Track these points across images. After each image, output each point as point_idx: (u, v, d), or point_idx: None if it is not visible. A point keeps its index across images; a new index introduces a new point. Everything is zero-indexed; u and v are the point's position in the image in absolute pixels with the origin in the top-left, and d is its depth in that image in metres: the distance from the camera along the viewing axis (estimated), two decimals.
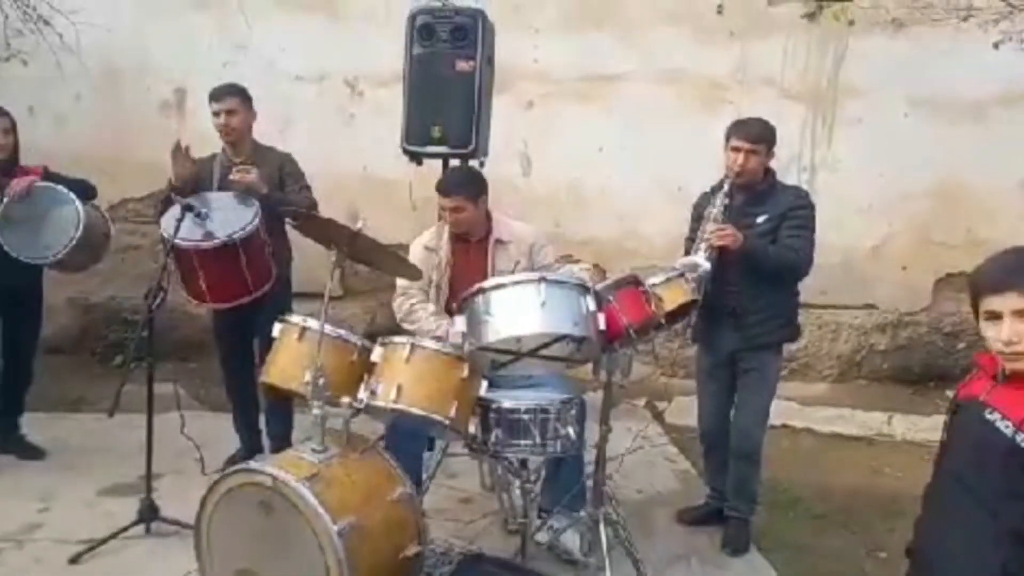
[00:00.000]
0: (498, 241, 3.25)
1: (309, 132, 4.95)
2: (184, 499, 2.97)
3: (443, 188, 3.20)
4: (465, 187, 3.19)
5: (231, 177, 3.42)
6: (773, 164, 3.24)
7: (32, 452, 3.86)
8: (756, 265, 3.07)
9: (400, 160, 3.90)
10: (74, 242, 3.50)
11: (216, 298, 3.37)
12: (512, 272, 2.96)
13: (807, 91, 5.34)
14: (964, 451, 1.67)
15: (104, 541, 3.04)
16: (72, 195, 3.57)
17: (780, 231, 3.10)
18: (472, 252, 3.26)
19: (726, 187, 3.12)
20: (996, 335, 1.59)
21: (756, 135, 3.11)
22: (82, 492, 3.52)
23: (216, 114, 3.55)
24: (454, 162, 3.81)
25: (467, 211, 3.15)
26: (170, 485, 3.46)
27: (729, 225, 3.01)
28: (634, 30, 5.28)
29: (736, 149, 3.10)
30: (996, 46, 4.51)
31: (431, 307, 3.19)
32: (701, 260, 2.96)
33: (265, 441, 3.81)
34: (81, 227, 3.51)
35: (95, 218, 3.69)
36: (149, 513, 3.14)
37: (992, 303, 1.60)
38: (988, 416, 1.61)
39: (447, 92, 3.64)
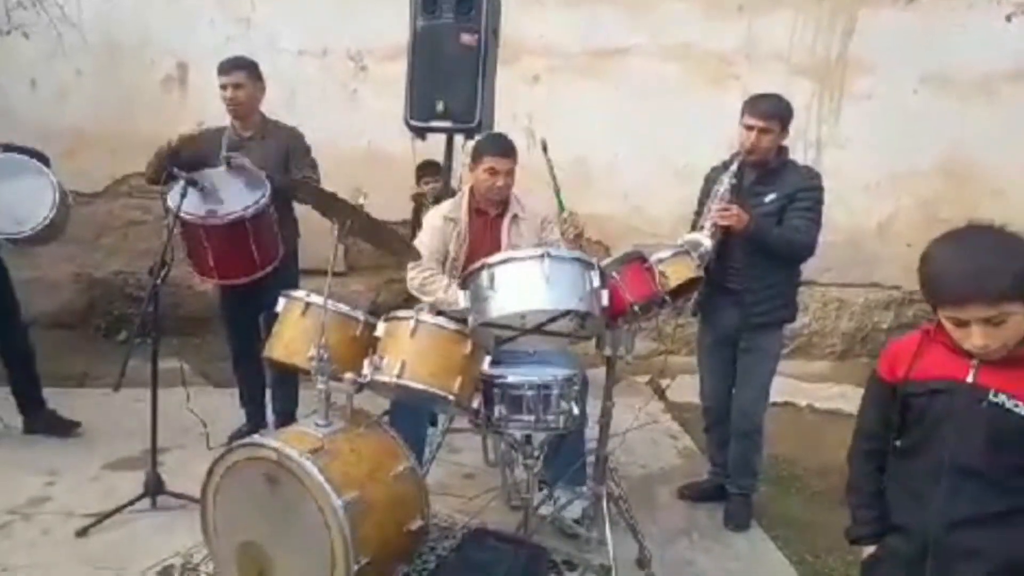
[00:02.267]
0: (514, 217, 3.24)
1: (312, 107, 4.90)
2: (189, 473, 3.00)
3: (500, 150, 3.17)
4: (515, 150, 3.21)
5: (231, 163, 3.38)
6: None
7: (66, 427, 3.78)
8: (760, 246, 3.04)
9: (404, 135, 3.87)
10: (50, 218, 3.38)
11: (223, 275, 3.36)
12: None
13: (815, 67, 5.28)
14: (966, 436, 1.61)
15: (111, 514, 3.07)
16: (43, 167, 3.46)
17: (787, 212, 3.05)
18: (490, 226, 3.25)
19: (734, 166, 3.08)
20: (964, 338, 1.56)
21: (769, 112, 3.03)
22: (88, 466, 3.55)
23: (223, 87, 3.51)
24: (458, 137, 3.79)
25: (513, 175, 3.18)
26: (175, 459, 3.49)
27: (735, 205, 2.98)
28: (641, 4, 5.21)
29: (749, 127, 3.04)
30: (1009, 19, 4.44)
31: (445, 279, 3.16)
32: (704, 239, 2.93)
33: (270, 417, 3.82)
34: (58, 201, 3.41)
35: (62, 191, 3.53)
36: (155, 487, 3.16)
37: (954, 312, 1.55)
38: (994, 399, 1.57)
39: (451, 66, 3.59)
